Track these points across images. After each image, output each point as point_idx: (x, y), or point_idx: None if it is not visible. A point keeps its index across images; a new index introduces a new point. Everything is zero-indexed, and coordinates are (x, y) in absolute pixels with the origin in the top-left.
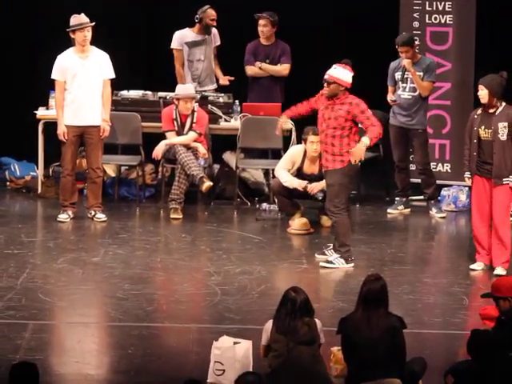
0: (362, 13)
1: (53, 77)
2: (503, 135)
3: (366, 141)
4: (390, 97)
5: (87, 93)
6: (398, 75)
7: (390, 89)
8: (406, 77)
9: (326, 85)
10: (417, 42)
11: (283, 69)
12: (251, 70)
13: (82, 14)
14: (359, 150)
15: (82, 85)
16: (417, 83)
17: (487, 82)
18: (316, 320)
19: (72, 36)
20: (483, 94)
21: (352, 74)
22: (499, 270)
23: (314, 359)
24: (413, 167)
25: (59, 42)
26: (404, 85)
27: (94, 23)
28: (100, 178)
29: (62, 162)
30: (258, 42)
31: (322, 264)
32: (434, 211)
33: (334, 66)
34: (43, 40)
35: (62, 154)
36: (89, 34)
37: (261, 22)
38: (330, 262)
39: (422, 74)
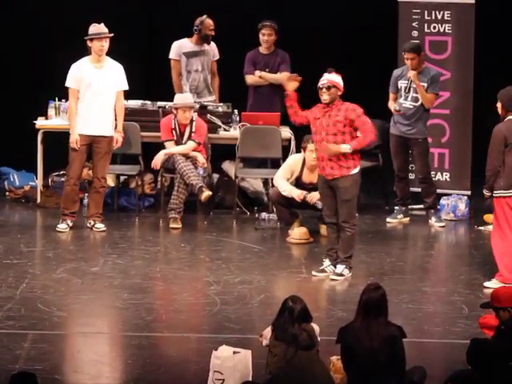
0: (361, 24)
1: (67, 85)
2: None
3: (344, 147)
4: (392, 105)
5: (99, 103)
6: (401, 83)
7: (392, 96)
8: (410, 86)
9: (324, 90)
10: None
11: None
12: (251, 78)
13: (102, 24)
14: (330, 149)
15: (95, 95)
16: (421, 95)
17: (500, 94)
18: (313, 325)
19: (89, 44)
20: (498, 106)
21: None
22: (490, 283)
23: (313, 363)
24: (412, 176)
25: (59, 42)
26: (407, 94)
27: (112, 34)
28: (104, 188)
29: (68, 170)
30: (257, 50)
31: (332, 277)
32: (433, 220)
33: (326, 73)
34: (43, 40)
35: (70, 162)
36: (106, 44)
37: (265, 31)
38: (341, 275)
39: (426, 84)
